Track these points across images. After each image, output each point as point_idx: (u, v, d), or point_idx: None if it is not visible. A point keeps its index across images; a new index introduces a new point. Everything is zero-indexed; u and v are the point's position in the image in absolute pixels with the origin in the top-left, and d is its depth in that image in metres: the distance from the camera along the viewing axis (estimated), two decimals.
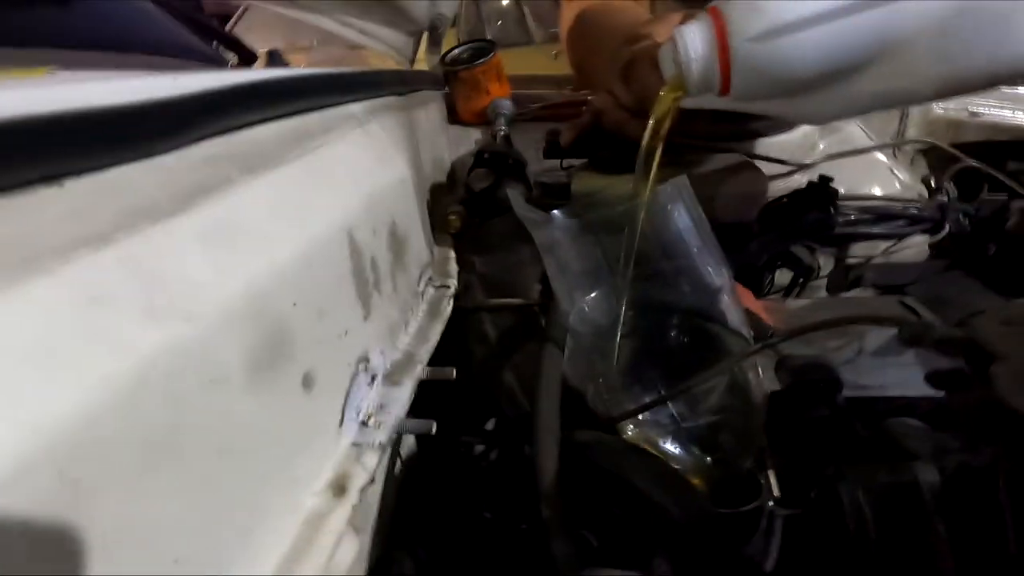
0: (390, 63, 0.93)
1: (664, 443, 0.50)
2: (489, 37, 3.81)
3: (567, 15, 0.89)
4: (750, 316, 0.64)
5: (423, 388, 0.50)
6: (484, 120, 0.92)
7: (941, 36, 0.32)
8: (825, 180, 0.62)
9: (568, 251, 0.46)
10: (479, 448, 0.64)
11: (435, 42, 0.95)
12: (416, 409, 0.60)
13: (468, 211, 0.70)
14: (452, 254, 0.57)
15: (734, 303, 0.47)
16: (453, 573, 0.56)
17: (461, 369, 0.59)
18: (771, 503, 0.48)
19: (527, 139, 0.87)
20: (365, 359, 0.34)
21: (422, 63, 0.98)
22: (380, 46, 0.86)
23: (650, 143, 0.40)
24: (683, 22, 0.52)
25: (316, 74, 0.36)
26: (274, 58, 0.40)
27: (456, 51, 0.92)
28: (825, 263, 0.78)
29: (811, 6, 0.32)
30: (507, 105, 0.89)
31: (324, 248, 0.30)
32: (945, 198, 0.73)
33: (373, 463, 0.30)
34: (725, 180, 0.57)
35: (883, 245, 0.76)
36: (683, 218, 0.42)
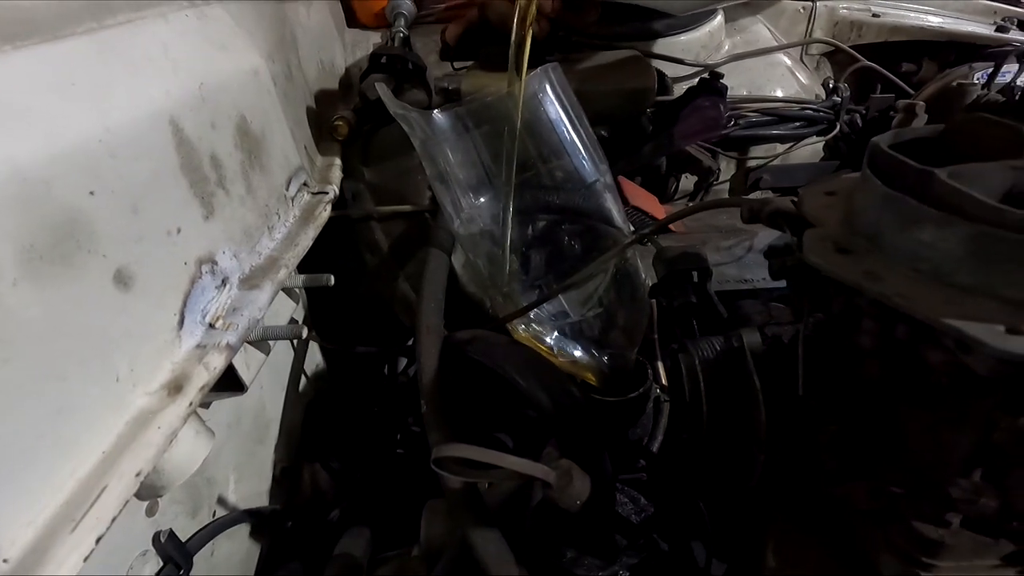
0: None
1: (556, 339, 0.51)
2: None
3: None
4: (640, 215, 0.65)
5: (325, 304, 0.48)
6: (384, 23, 0.85)
7: None
8: (715, 75, 0.61)
9: (448, 153, 0.44)
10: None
11: None
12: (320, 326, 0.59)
13: (362, 118, 0.66)
14: (337, 161, 0.54)
15: (614, 198, 0.47)
16: (368, 481, 0.57)
17: (355, 280, 0.58)
18: (658, 390, 0.51)
19: (430, 43, 0.82)
20: (211, 261, 0.32)
21: None
22: None
23: (519, 33, 0.38)
24: None
25: None
26: None
27: None
28: (727, 167, 0.80)
29: None
30: (407, 4, 0.82)
31: (134, 136, 0.27)
32: (838, 99, 0.75)
33: (218, 363, 0.29)
34: (613, 74, 0.55)
35: (781, 147, 0.78)
36: (552, 105, 0.41)
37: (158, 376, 0.27)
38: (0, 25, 0.23)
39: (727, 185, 0.82)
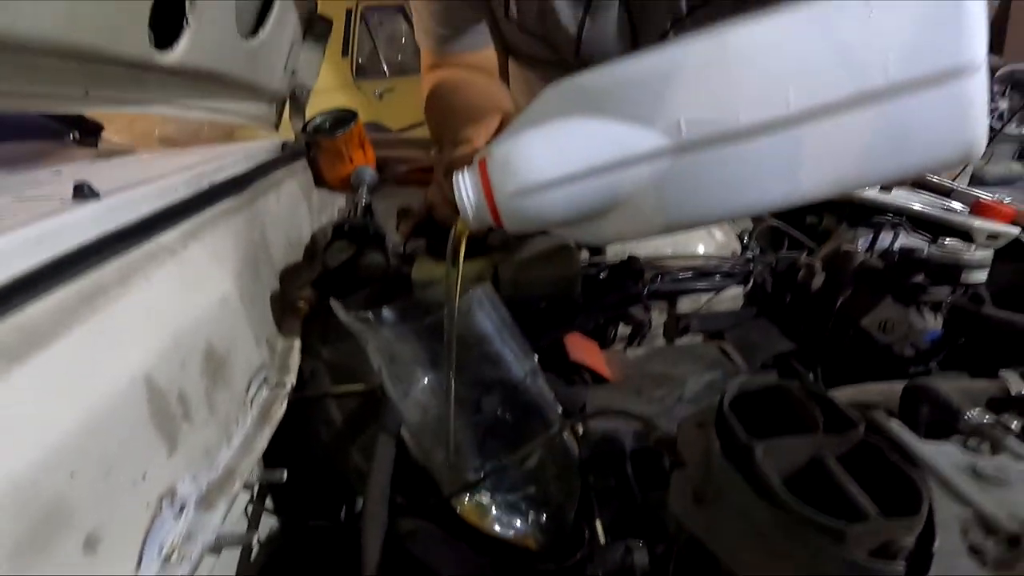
0: (249, 132, 0.94)
1: (498, 509, 0.55)
2: (385, 65, 3.81)
3: (424, 85, 0.94)
4: (579, 375, 0.71)
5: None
6: (348, 186, 0.95)
7: (659, 194, 0.40)
8: (633, 260, 0.71)
9: (394, 353, 0.50)
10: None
11: (298, 108, 0.97)
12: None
13: (323, 288, 0.73)
14: (297, 343, 0.60)
15: (542, 383, 0.54)
16: None
17: (310, 453, 0.62)
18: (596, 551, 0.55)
19: (391, 205, 0.91)
20: (171, 492, 0.36)
21: (287, 128, 1.00)
22: (237, 119, 0.87)
23: (453, 250, 0.46)
24: (502, 125, 0.59)
25: (112, 230, 0.38)
26: (83, 191, 0.41)
27: (318, 120, 0.94)
28: (659, 315, 0.88)
29: (551, 173, 0.40)
30: (369, 173, 0.92)
31: (112, 408, 0.32)
32: (751, 255, 0.86)
33: None
34: (544, 263, 0.64)
35: (705, 297, 0.88)
36: (486, 323, 0.48)
37: None
38: (8, 347, 0.28)
39: (661, 329, 0.90)
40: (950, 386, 0.42)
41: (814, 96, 0.36)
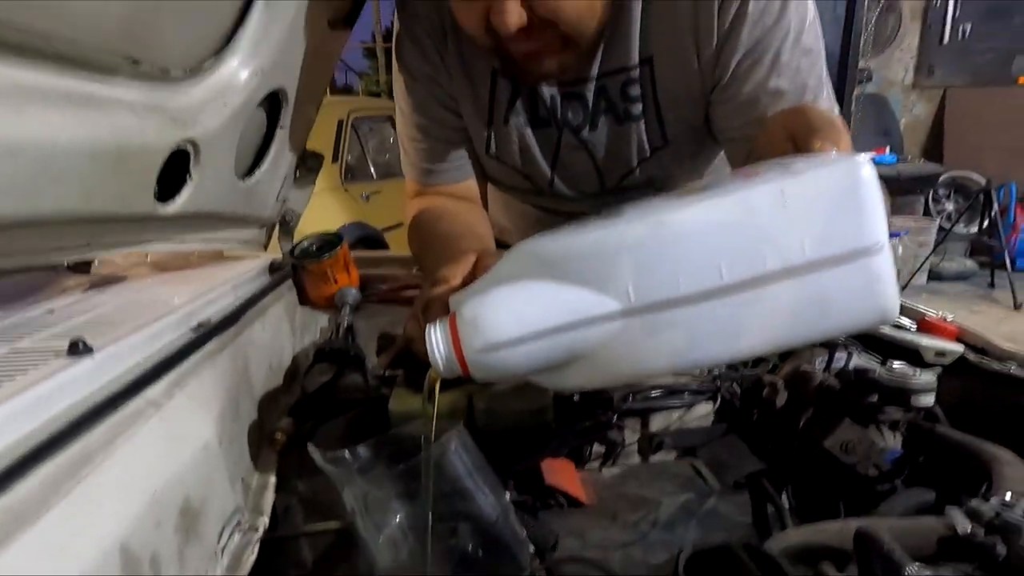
0: (239, 253, 0.99)
1: None
2: (373, 169, 4.01)
3: (408, 212, 1.01)
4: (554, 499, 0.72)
5: None
6: (332, 305, 0.99)
7: (613, 351, 0.44)
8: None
9: (370, 493, 0.52)
10: None
11: (287, 232, 1.03)
12: None
13: (301, 415, 0.74)
14: (272, 479, 0.60)
15: (513, 522, 0.55)
16: None
17: None
18: None
19: (373, 324, 0.95)
20: None
21: (275, 250, 1.05)
22: (229, 245, 0.92)
23: (428, 392, 0.48)
24: (478, 264, 0.64)
25: (104, 390, 0.40)
26: (77, 348, 0.44)
27: (305, 244, 1.00)
28: (632, 433, 0.90)
29: (514, 332, 0.44)
30: (352, 294, 0.97)
31: None
32: (717, 372, 0.90)
33: None
34: (517, 396, 0.67)
35: (676, 414, 0.90)
36: (459, 466, 0.50)
37: None
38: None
39: (635, 447, 0.91)
40: (898, 528, 0.44)
41: (744, 270, 0.41)
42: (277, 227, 1.03)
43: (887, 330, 0.93)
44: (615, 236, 0.44)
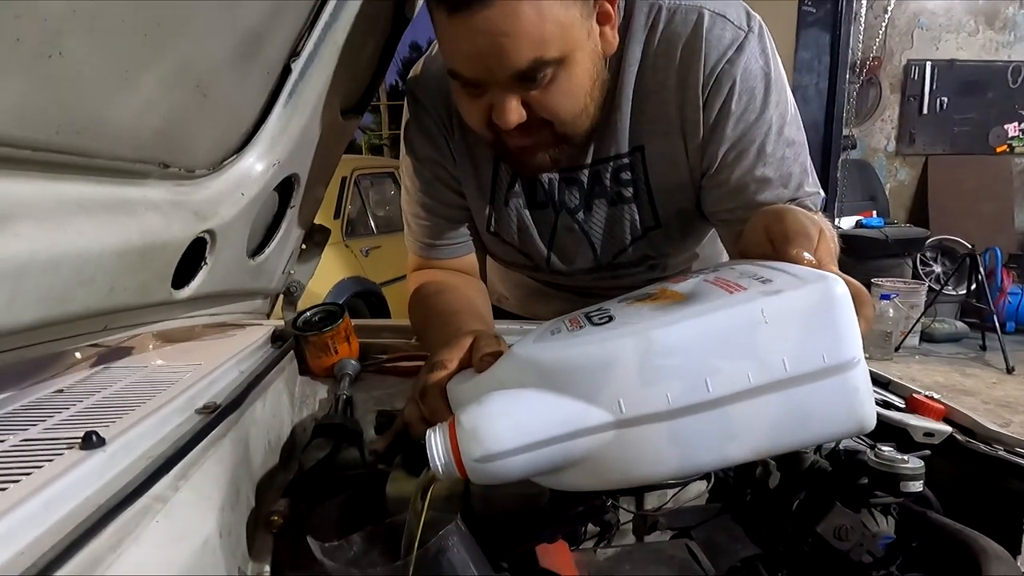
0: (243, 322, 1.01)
1: None
2: (374, 224, 4.09)
3: (410, 285, 1.04)
4: None
5: None
6: (331, 374, 1.00)
7: (607, 459, 0.47)
8: None
9: None
10: None
11: (291, 303, 1.06)
12: None
13: (298, 493, 0.75)
14: (267, 569, 0.61)
15: None
16: None
17: None
18: None
19: (370, 398, 0.96)
20: None
21: (277, 316, 1.08)
22: (234, 317, 0.95)
23: (420, 493, 0.50)
24: (473, 346, 0.66)
25: (114, 490, 0.42)
26: (91, 440, 0.46)
27: (308, 314, 1.02)
28: (627, 512, 0.90)
29: (512, 443, 0.46)
30: (352, 365, 0.99)
31: None
32: None
33: None
34: (511, 483, 0.68)
35: (670, 493, 0.91)
36: (458, 565, 0.51)
37: None
38: None
39: (630, 526, 0.91)
40: None
41: (728, 385, 0.44)
42: (281, 297, 1.06)
43: (880, 398, 0.95)
44: (605, 351, 0.47)
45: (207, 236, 0.65)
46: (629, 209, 0.96)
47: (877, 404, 1.00)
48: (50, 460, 0.44)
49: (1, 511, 0.35)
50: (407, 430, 0.68)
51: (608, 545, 0.89)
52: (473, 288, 1.03)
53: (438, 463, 0.48)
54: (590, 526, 0.89)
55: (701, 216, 0.97)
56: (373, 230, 3.98)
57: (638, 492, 0.91)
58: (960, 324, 3.96)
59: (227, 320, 0.91)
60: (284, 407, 0.88)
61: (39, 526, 0.36)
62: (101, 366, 0.76)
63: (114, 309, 0.53)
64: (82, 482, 0.41)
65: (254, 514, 0.66)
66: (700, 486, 0.94)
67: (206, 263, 0.66)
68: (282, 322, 1.05)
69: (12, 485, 0.39)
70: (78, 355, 0.81)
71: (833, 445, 0.91)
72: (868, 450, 0.88)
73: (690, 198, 0.94)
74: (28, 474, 0.42)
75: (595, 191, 0.96)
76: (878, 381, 1.11)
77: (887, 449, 0.84)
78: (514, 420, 0.47)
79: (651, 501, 0.93)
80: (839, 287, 0.45)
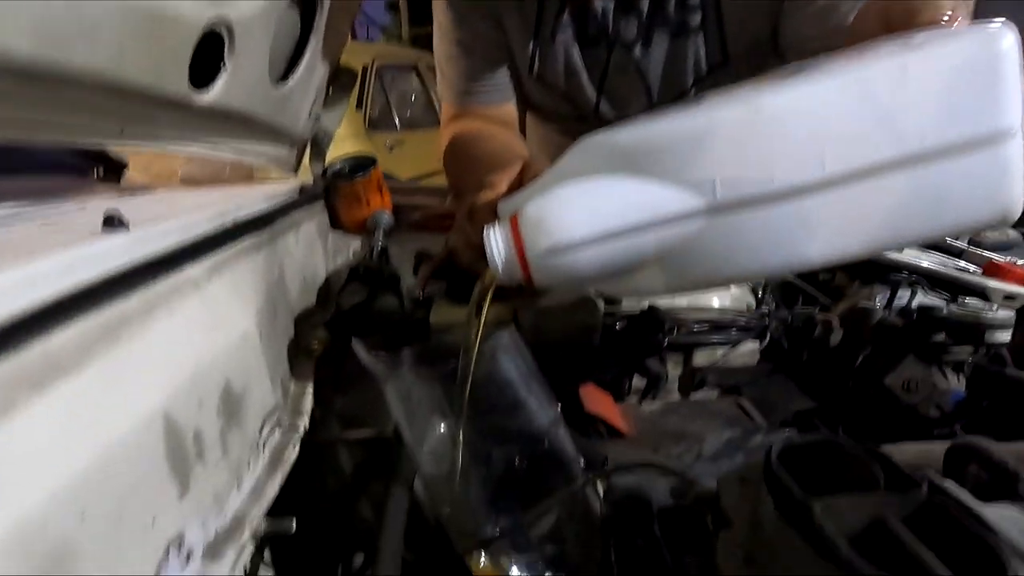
0: (271, 174, 0.95)
1: (513, 566, 0.52)
2: (397, 119, 3.94)
3: (444, 136, 0.96)
4: (595, 427, 0.69)
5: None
6: (365, 229, 0.95)
7: (693, 253, 0.40)
8: (654, 309, 0.70)
9: (412, 396, 0.49)
10: None
11: (319, 153, 0.99)
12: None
13: (336, 330, 0.72)
14: (310, 387, 0.58)
15: (565, 435, 0.52)
16: None
17: (317, 502, 0.59)
18: None
19: (405, 251, 0.91)
20: (179, 538, 0.34)
21: (306, 171, 1.01)
22: (259, 160, 0.89)
23: (477, 300, 0.45)
24: (524, 172, 0.59)
25: (140, 261, 0.37)
26: (113, 222, 0.41)
27: (338, 165, 0.96)
28: (674, 368, 0.87)
29: (584, 232, 0.40)
30: (386, 218, 0.93)
31: (128, 445, 0.30)
32: (766, 309, 0.85)
33: None
34: (564, 313, 0.63)
35: (721, 351, 0.86)
36: (511, 368, 0.47)
37: None
38: (32, 375, 0.27)
39: (676, 384, 0.88)
40: (999, 447, 0.40)
41: (849, 160, 0.36)
42: (309, 148, 0.99)
43: (951, 271, 0.87)
44: (701, 123, 0.39)
45: (223, 30, 0.57)
46: (694, 42, 0.85)
47: (952, 270, 0.93)
48: (69, 241, 0.39)
49: (14, 271, 0.30)
50: (452, 259, 0.63)
51: (653, 400, 0.86)
52: (514, 137, 0.94)
53: (498, 260, 0.43)
54: (635, 381, 0.86)
55: (775, 54, 0.85)
56: (396, 125, 3.83)
57: (687, 348, 0.86)
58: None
59: (253, 162, 0.85)
60: (318, 254, 0.83)
61: (56, 284, 0.31)
62: (126, 196, 0.71)
63: (126, 86, 0.46)
64: (105, 256, 0.36)
65: (294, 343, 0.64)
66: (751, 346, 0.89)
67: (225, 66, 0.59)
68: (310, 179, 0.99)
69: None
70: (100, 188, 0.76)
71: (905, 303, 0.84)
72: (947, 304, 0.81)
73: (767, 28, 0.81)
74: (44, 251, 0.37)
75: (656, 20, 0.84)
76: (952, 251, 1.03)
77: (971, 300, 0.77)
78: (587, 207, 0.41)
79: (699, 359, 0.88)
80: (1006, 39, 0.36)
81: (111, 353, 0.31)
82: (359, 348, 0.48)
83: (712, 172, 0.39)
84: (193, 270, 0.43)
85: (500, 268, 0.43)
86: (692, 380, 0.86)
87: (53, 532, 0.25)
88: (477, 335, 0.45)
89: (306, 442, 0.56)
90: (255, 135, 0.79)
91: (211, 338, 0.40)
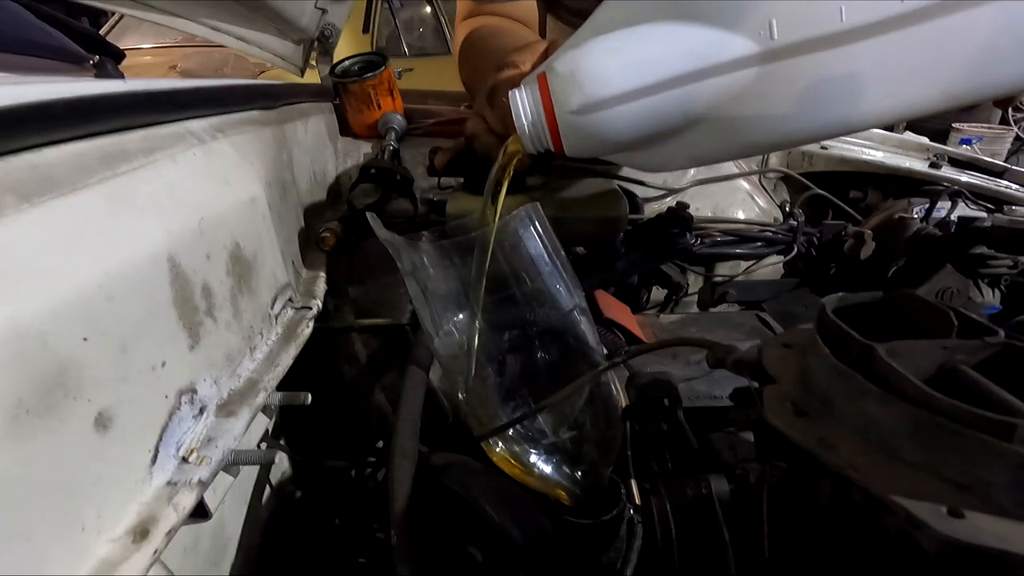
0: (276, 71, 0.90)
1: (531, 458, 0.51)
2: (406, 47, 3.78)
3: (459, 35, 0.90)
4: (613, 332, 0.67)
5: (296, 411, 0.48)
6: (375, 134, 0.91)
7: (742, 109, 0.36)
8: (682, 206, 0.67)
9: (430, 275, 0.46)
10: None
11: (326, 52, 0.93)
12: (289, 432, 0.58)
13: (348, 228, 0.69)
14: (323, 274, 0.56)
15: (588, 322, 0.50)
16: None
17: (332, 391, 0.58)
18: (631, 512, 0.51)
19: (418, 155, 0.87)
20: (191, 390, 0.32)
21: (314, 73, 0.96)
22: (263, 54, 0.83)
23: (497, 175, 0.42)
24: (548, 52, 0.55)
25: (139, 90, 0.34)
26: (106, 68, 0.38)
27: (347, 63, 0.90)
28: (695, 281, 0.84)
29: (621, 85, 0.35)
30: (398, 120, 0.88)
31: (131, 278, 0.28)
32: (794, 222, 0.81)
33: (188, 503, 0.29)
34: (589, 203, 0.60)
35: (744, 264, 0.83)
36: (534, 243, 0.44)
37: (124, 520, 0.27)
38: (20, 183, 0.24)
39: (695, 298, 0.86)
40: None
41: None
42: (315, 46, 0.93)
43: (994, 185, 0.83)
44: None
45: None
46: None
47: (993, 185, 0.88)
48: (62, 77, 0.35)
49: None
50: (471, 146, 0.59)
51: (671, 312, 0.84)
52: (533, 34, 0.88)
53: (524, 121, 0.39)
54: (653, 293, 0.84)
55: None
56: (405, 52, 3.67)
57: (709, 260, 0.83)
58: None
59: (257, 55, 0.80)
60: (328, 151, 0.80)
61: (44, 95, 0.28)
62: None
63: None
64: (99, 89, 0.32)
65: (304, 234, 0.61)
66: (775, 259, 0.86)
67: None
68: (317, 80, 0.94)
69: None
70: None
71: (944, 215, 0.80)
72: (988, 216, 0.77)
73: None
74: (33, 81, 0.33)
75: None
76: (993, 170, 0.97)
77: (1019, 208, 0.73)
78: (625, 57, 0.36)
79: (721, 272, 0.86)
80: None
81: (111, 183, 0.29)
82: (374, 222, 0.45)
83: (766, 12, 0.34)
84: (196, 124, 0.39)
85: (527, 131, 0.40)
86: (713, 294, 0.84)
87: (54, 348, 0.23)
88: (497, 211, 0.42)
89: (321, 330, 0.54)
90: (259, 21, 0.74)
91: (218, 192, 0.37)
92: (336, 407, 0.56)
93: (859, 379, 0.24)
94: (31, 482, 0.22)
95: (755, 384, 0.30)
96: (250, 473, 0.53)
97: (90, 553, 0.25)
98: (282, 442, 0.58)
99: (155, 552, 0.26)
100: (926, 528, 0.20)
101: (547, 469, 0.50)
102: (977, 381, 0.23)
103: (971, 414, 0.20)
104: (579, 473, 0.50)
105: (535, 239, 0.44)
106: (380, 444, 0.60)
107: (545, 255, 0.44)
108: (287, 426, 0.58)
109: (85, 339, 0.25)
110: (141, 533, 0.26)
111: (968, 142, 3.18)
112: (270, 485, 0.57)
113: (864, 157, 0.98)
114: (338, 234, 0.61)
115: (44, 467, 0.23)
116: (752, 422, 0.29)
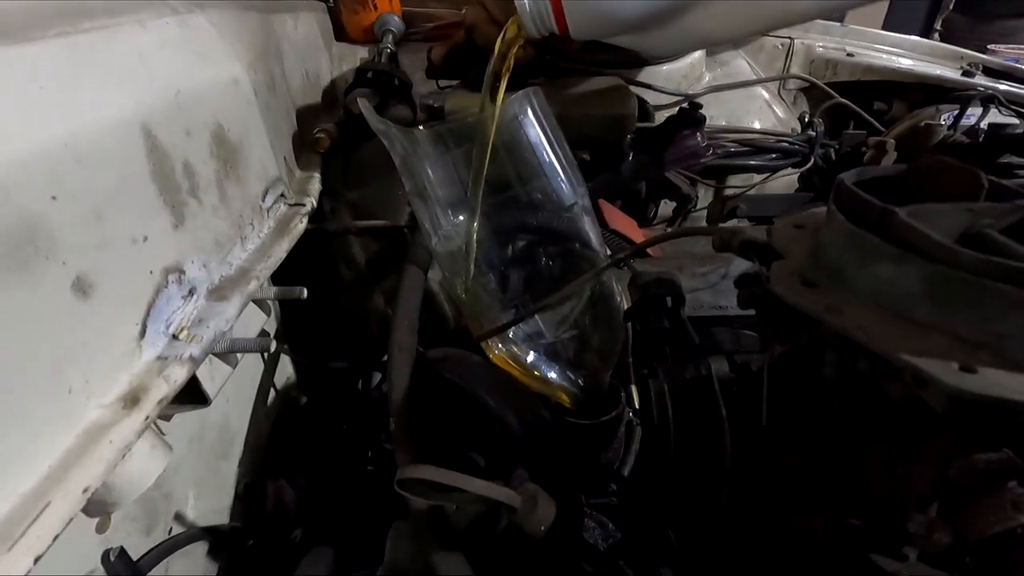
0: None
1: (532, 359, 0.51)
2: None
3: None
4: (617, 236, 0.66)
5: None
6: (372, 38, 0.85)
7: None
8: (695, 106, 0.63)
9: (428, 170, 0.44)
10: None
11: None
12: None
13: (344, 132, 0.66)
14: (317, 175, 0.54)
15: (592, 223, 0.48)
16: (334, 499, 0.56)
17: (332, 295, 0.57)
18: (630, 414, 0.51)
19: (417, 60, 0.82)
20: (178, 270, 0.31)
21: None
22: None
23: (496, 66, 0.39)
24: None
25: None
26: None
27: None
28: (704, 194, 0.81)
29: None
30: (395, 21, 0.83)
31: (102, 142, 0.26)
32: (813, 133, 0.77)
33: (179, 376, 0.29)
34: (595, 100, 0.56)
35: (758, 177, 0.80)
36: (532, 128, 0.41)
37: (114, 388, 0.26)
38: None
39: (704, 212, 0.83)
40: None
41: None
42: None
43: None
44: None
45: None
46: None
47: None
48: None
49: None
50: (470, 38, 0.55)
51: (680, 226, 0.82)
52: None
53: (527, 2, 0.35)
54: (660, 209, 0.81)
55: None
56: None
57: (720, 172, 0.80)
58: None
59: None
60: (321, 52, 0.75)
61: None
62: None
63: None
64: None
65: (298, 136, 0.59)
66: (790, 171, 0.82)
67: None
68: None
69: None
70: None
71: (974, 122, 0.76)
72: (1019, 120, 0.73)
73: None
74: None
75: None
76: (1015, 76, 0.91)
77: None
78: None
79: (733, 184, 0.83)
80: None
81: (72, 39, 0.27)
82: (367, 109, 0.43)
83: None
84: None
85: (528, 7, 0.36)
86: (723, 208, 0.81)
87: (19, 201, 0.22)
88: (496, 107, 0.39)
89: (318, 233, 0.53)
90: None
91: (196, 67, 0.35)
92: (336, 311, 0.56)
93: (875, 240, 0.22)
94: (8, 336, 0.21)
95: (764, 269, 0.29)
96: (254, 375, 0.54)
97: (80, 416, 0.25)
98: (285, 347, 0.58)
99: (146, 418, 0.26)
100: (936, 383, 0.19)
101: (548, 371, 0.50)
102: (1003, 243, 0.22)
103: (993, 264, 0.19)
104: (579, 376, 0.50)
105: (534, 126, 0.41)
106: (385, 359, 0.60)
107: (545, 142, 0.42)
108: (288, 330, 0.58)
109: (54, 198, 0.23)
110: (132, 400, 0.26)
111: (1014, 60, 2.98)
112: (275, 389, 0.58)
113: (893, 65, 0.91)
114: (333, 136, 0.59)
115: (21, 323, 0.22)
116: (757, 298, 0.27)
